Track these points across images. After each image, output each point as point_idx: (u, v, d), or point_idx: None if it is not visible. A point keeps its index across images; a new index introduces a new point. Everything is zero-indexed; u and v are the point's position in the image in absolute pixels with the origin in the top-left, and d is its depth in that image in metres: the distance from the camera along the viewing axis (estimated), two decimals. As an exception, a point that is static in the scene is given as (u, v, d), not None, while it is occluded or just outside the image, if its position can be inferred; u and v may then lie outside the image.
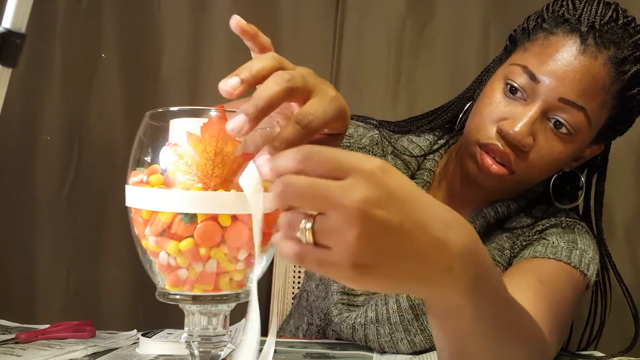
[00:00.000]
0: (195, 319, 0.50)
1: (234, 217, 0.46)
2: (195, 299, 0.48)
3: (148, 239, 0.47)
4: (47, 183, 1.43)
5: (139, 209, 0.47)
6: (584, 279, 0.81)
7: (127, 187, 0.48)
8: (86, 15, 1.43)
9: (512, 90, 0.81)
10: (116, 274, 1.42)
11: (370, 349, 0.87)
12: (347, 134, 0.89)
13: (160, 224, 0.46)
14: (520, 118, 0.79)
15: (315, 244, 0.40)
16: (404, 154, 0.94)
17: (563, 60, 0.78)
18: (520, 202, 0.90)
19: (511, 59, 0.85)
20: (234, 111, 0.50)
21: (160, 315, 1.13)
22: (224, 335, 0.51)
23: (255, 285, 0.46)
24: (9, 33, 0.43)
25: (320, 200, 0.39)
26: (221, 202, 0.45)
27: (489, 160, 0.81)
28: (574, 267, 0.80)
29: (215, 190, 0.46)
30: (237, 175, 0.47)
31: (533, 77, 0.79)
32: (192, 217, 0.45)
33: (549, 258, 0.80)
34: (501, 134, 0.80)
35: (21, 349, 0.80)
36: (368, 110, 1.08)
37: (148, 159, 0.49)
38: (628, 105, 0.82)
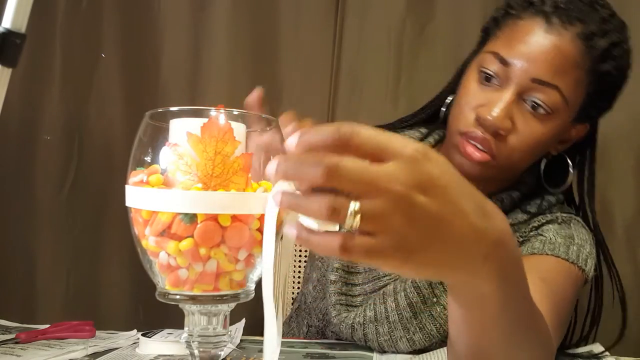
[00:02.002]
0: (195, 319, 0.50)
1: (234, 217, 0.46)
2: (195, 299, 0.48)
3: (148, 239, 0.47)
4: (47, 183, 1.43)
5: (139, 209, 0.47)
6: (583, 274, 0.82)
7: (127, 187, 0.48)
8: (86, 15, 1.43)
9: (487, 78, 0.82)
10: (116, 274, 1.42)
11: (370, 349, 0.87)
12: None
13: (160, 224, 0.46)
14: (496, 103, 0.80)
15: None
16: None
17: (531, 41, 0.79)
18: (513, 195, 0.89)
19: (484, 49, 0.86)
20: (234, 111, 0.50)
21: (160, 315, 1.13)
22: (224, 335, 0.51)
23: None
24: (9, 33, 0.43)
25: (367, 185, 0.38)
26: (221, 202, 0.45)
27: (470, 148, 0.82)
28: (572, 262, 0.80)
29: (215, 190, 0.46)
30: (236, 175, 0.47)
31: (504, 62, 0.80)
32: (192, 217, 0.45)
33: (547, 254, 0.80)
34: (479, 120, 0.81)
35: (21, 349, 0.80)
36: (368, 110, 1.08)
37: (148, 159, 0.49)
38: (605, 81, 0.83)
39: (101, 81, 1.44)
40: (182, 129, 0.47)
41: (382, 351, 0.86)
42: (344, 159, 0.38)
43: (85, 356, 0.78)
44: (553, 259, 0.80)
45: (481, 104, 0.82)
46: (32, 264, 1.43)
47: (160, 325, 0.94)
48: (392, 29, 1.39)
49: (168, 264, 0.47)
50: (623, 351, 0.92)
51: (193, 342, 0.50)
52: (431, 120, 0.98)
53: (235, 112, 0.49)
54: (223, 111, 0.48)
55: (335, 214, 0.38)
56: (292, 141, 0.40)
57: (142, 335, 0.86)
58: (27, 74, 1.39)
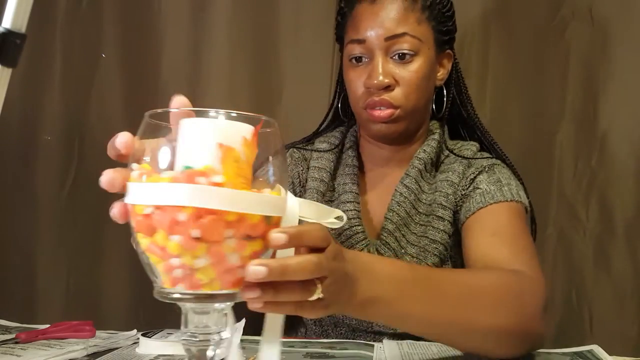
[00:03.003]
0: (195, 318, 0.50)
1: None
2: (194, 298, 0.47)
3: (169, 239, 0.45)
4: (47, 183, 1.43)
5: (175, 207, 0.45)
6: (521, 205, 0.98)
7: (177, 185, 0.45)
8: (86, 15, 1.43)
9: (357, 60, 1.00)
10: (116, 274, 1.42)
11: (371, 349, 0.87)
12: None
13: (247, 226, 0.45)
14: (374, 70, 0.97)
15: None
16: (322, 167, 1.08)
17: (367, 14, 0.98)
18: (431, 144, 1.05)
19: (344, 46, 1.04)
20: (232, 112, 0.50)
21: (160, 315, 1.13)
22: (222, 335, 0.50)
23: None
24: (9, 33, 0.43)
25: (323, 271, 0.53)
26: (282, 205, 0.48)
27: (376, 112, 0.98)
28: (510, 201, 0.96)
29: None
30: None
31: (361, 41, 0.99)
32: (270, 218, 0.47)
33: (490, 204, 0.96)
34: (370, 89, 0.98)
35: (21, 349, 0.80)
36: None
37: (147, 159, 0.48)
38: (438, 10, 1.01)
39: (101, 81, 1.44)
40: (235, 131, 0.46)
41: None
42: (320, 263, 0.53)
43: (85, 356, 0.78)
44: (494, 205, 0.96)
45: (365, 79, 0.98)
46: (32, 264, 1.43)
47: (160, 325, 0.94)
48: (392, 29, 1.39)
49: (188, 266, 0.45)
50: (623, 351, 0.92)
51: (191, 341, 0.50)
52: (343, 120, 1.14)
53: (234, 114, 0.49)
54: (261, 117, 0.48)
55: (308, 293, 0.53)
56: (281, 238, 0.49)
57: (142, 335, 0.86)
58: (27, 74, 1.39)
